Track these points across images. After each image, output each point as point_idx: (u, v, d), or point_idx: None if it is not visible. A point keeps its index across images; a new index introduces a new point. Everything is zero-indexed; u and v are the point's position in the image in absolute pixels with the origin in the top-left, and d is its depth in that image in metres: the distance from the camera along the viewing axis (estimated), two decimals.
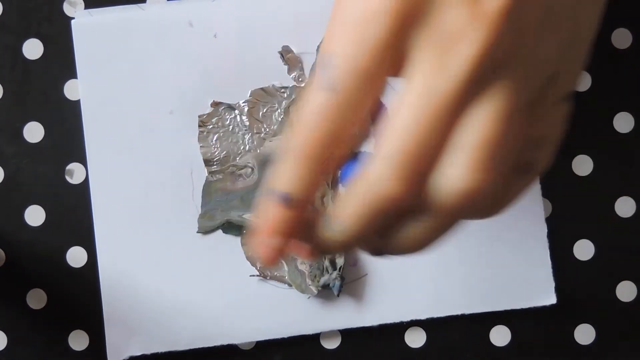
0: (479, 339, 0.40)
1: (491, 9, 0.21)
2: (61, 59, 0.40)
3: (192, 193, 0.40)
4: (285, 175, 0.24)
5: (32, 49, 0.40)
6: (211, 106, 0.40)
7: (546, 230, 0.40)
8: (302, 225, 0.25)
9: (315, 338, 0.40)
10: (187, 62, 0.40)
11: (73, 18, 0.40)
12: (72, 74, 0.40)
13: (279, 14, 0.40)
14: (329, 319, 0.40)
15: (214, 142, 0.40)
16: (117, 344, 0.39)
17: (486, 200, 0.23)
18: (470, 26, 0.21)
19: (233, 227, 0.40)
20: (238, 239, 0.40)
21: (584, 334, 0.41)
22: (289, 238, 0.24)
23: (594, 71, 0.40)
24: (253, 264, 0.40)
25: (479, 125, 0.22)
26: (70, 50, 0.40)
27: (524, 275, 0.40)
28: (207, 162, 0.40)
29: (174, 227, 0.40)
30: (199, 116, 0.40)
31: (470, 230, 0.40)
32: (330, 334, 0.40)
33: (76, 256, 0.40)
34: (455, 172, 0.23)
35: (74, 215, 0.40)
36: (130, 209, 0.40)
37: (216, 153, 0.40)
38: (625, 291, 0.41)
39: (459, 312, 0.40)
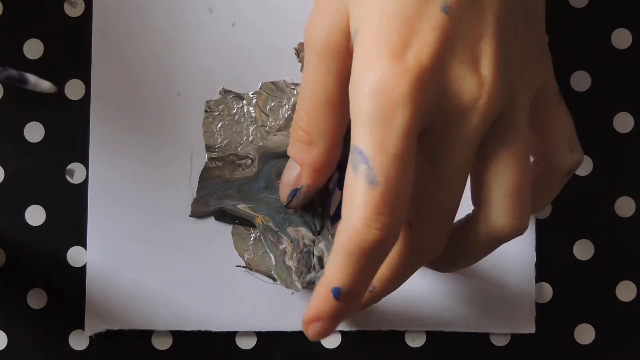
0: (479, 338, 0.40)
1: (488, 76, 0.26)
2: (61, 59, 0.40)
3: (190, 177, 0.40)
4: (338, 271, 0.27)
5: (32, 49, 0.40)
6: (220, 93, 0.40)
7: (535, 259, 0.40)
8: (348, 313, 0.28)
9: None
10: (201, 47, 0.40)
11: (73, 18, 0.40)
12: (73, 74, 0.40)
13: (299, 11, 0.40)
14: None
15: (217, 129, 0.40)
16: (96, 316, 0.39)
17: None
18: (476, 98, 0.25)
19: (226, 216, 0.40)
20: (229, 228, 0.40)
21: (584, 334, 0.41)
22: (335, 323, 0.28)
23: (594, 71, 0.40)
24: (241, 255, 0.40)
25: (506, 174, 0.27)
26: (71, 50, 0.40)
27: (507, 301, 0.40)
28: (209, 148, 0.40)
29: (167, 209, 0.40)
30: (207, 101, 0.40)
31: None
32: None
33: (76, 256, 0.40)
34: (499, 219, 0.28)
35: (74, 215, 0.40)
36: (125, 186, 0.39)
37: (219, 140, 0.40)
38: (625, 291, 0.41)
39: (438, 329, 0.40)
